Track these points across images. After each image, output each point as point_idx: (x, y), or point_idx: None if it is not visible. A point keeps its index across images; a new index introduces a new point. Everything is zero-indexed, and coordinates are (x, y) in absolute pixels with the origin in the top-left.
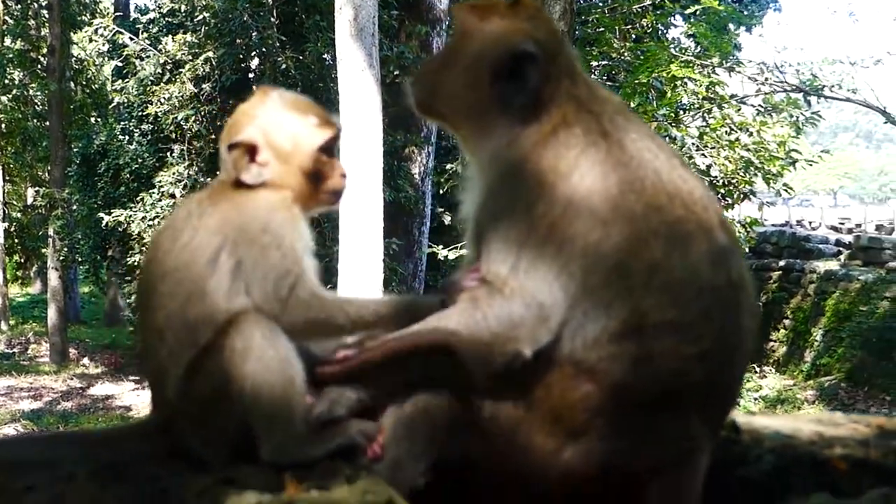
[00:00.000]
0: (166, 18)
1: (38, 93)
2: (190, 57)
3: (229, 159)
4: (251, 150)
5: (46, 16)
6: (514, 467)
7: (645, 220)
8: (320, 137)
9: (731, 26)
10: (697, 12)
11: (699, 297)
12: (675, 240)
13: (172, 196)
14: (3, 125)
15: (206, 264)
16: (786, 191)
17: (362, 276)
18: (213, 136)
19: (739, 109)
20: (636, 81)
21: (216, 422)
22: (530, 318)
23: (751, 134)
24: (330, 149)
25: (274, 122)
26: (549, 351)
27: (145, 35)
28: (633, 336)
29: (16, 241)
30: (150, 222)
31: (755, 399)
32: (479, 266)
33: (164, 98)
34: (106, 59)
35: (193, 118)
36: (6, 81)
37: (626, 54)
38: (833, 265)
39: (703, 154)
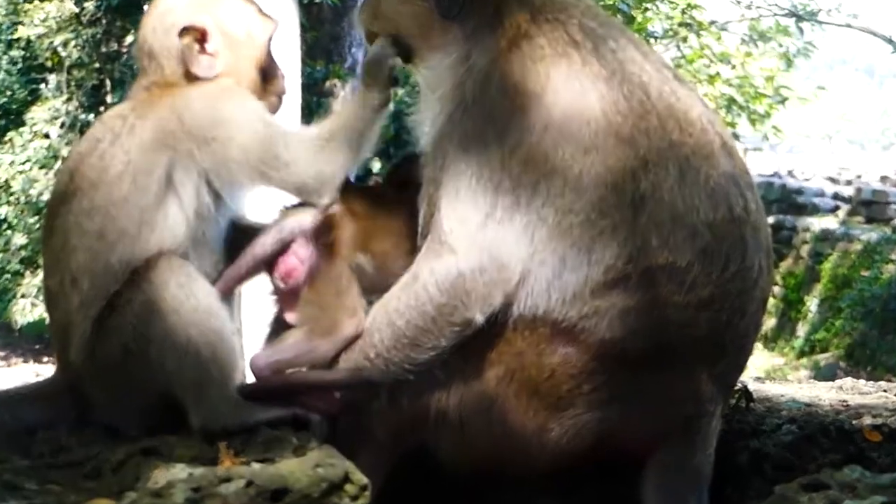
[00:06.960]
0: None
1: None
2: None
3: (176, 49)
4: (201, 38)
5: None
6: (491, 457)
7: (632, 146)
8: (270, 27)
9: None
10: None
11: (695, 235)
12: (667, 169)
13: (47, 136)
14: None
15: (157, 191)
16: (774, 134)
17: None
18: (97, 65)
19: (720, 38)
20: (601, 4)
21: (128, 386)
22: (484, 278)
23: (734, 67)
24: (270, 45)
25: (223, 7)
26: (516, 313)
27: None
28: (619, 285)
29: None
30: (21, 167)
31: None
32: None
33: (38, 19)
34: None
35: (73, 43)
36: None
37: None
38: (830, 222)
39: None
